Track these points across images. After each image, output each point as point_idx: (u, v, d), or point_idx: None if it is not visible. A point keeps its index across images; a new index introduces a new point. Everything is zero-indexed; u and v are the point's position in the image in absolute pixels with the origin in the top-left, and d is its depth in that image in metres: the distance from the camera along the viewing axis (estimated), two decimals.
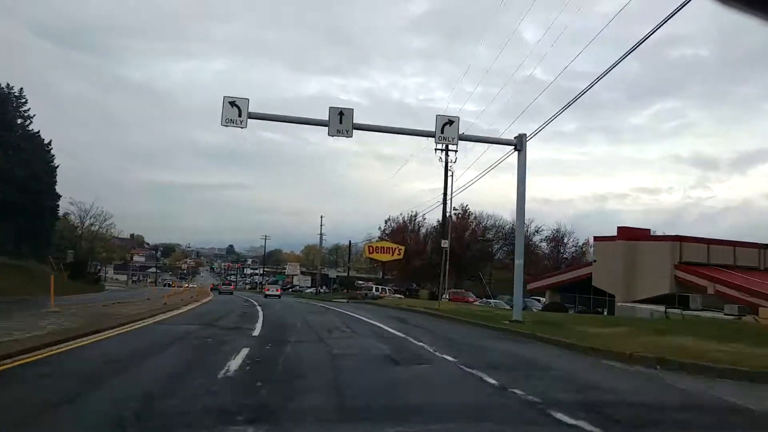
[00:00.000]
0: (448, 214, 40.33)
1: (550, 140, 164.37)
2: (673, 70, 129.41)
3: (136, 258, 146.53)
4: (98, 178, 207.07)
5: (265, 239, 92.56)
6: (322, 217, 64.80)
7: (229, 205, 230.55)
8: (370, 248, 54.67)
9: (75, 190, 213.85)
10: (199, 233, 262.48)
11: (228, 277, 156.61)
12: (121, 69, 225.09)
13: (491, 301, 43.44)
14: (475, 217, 63.21)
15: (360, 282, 64.50)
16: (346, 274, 76.85)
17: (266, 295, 53.71)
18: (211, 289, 70.29)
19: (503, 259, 65.09)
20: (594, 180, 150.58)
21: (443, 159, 36.87)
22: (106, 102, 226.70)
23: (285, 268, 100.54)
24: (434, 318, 22.59)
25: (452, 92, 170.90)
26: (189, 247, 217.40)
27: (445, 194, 36.77)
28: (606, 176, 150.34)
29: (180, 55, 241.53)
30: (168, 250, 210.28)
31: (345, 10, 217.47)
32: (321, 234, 65.23)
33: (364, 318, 21.11)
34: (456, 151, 36.34)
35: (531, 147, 21.02)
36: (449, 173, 36.53)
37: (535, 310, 35.00)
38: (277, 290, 58.17)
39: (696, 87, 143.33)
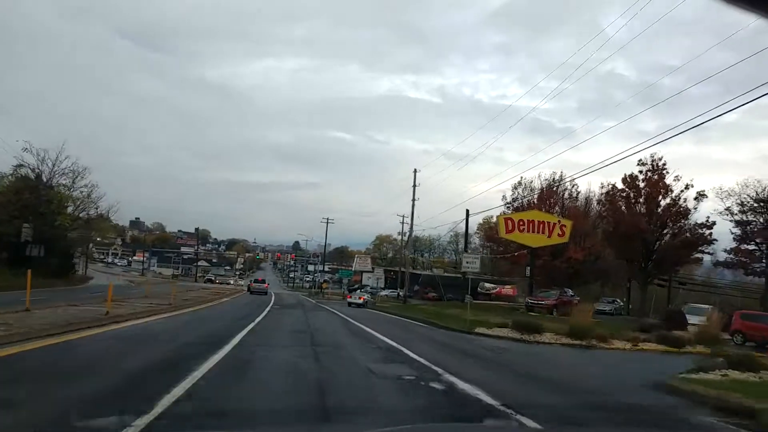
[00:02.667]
0: None
1: (629, 138, 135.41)
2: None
3: (183, 249, 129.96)
4: (173, 175, 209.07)
5: (327, 222, 70.05)
6: (415, 172, 39.90)
7: (297, 204, 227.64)
8: (509, 223, 30.16)
9: (150, 188, 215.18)
10: (266, 230, 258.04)
11: (290, 274, 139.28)
12: (197, 69, 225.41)
13: None
14: (677, 177, 36.92)
15: (488, 285, 39.32)
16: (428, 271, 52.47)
17: (350, 304, 38.87)
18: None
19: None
20: (674, 182, 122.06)
21: None
22: (183, 102, 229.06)
23: (352, 264, 77.38)
24: None
25: (527, 87, 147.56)
26: (255, 242, 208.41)
27: None
28: (689, 177, 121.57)
29: (254, 55, 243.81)
30: (232, 245, 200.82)
31: (419, 5, 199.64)
32: (413, 200, 40.59)
33: None
34: None
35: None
36: None
37: None
38: (360, 298, 40.35)
39: None
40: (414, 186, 39.21)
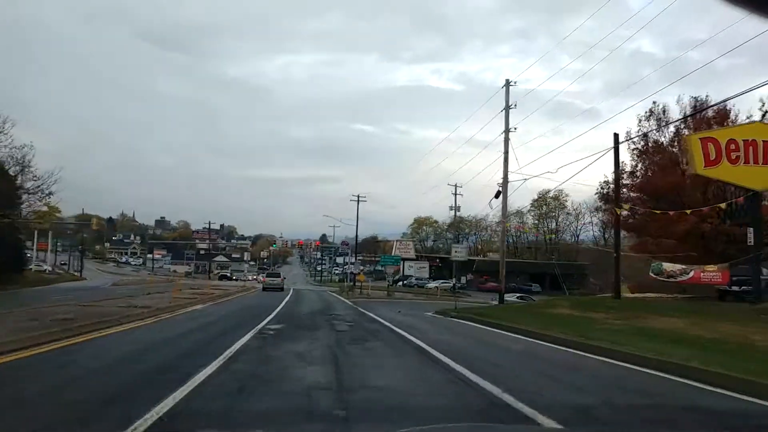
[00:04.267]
0: None
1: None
2: None
3: (199, 244, 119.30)
4: (199, 173, 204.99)
5: (358, 200, 56.69)
6: (507, 83, 25.00)
7: (322, 198, 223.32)
8: (712, 148, 16.41)
9: (177, 187, 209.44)
10: (293, 225, 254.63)
11: (317, 267, 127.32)
12: (215, 67, 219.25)
13: None
14: None
15: (667, 266, 24.62)
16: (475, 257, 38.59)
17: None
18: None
19: None
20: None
21: None
22: (202, 100, 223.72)
23: (391, 249, 63.80)
24: None
25: (549, 70, 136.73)
26: (281, 237, 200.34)
27: None
28: None
29: (273, 51, 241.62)
30: (258, 240, 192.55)
31: None
32: (506, 131, 25.11)
33: None
34: None
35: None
36: None
37: None
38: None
39: None
40: (507, 108, 24.74)
